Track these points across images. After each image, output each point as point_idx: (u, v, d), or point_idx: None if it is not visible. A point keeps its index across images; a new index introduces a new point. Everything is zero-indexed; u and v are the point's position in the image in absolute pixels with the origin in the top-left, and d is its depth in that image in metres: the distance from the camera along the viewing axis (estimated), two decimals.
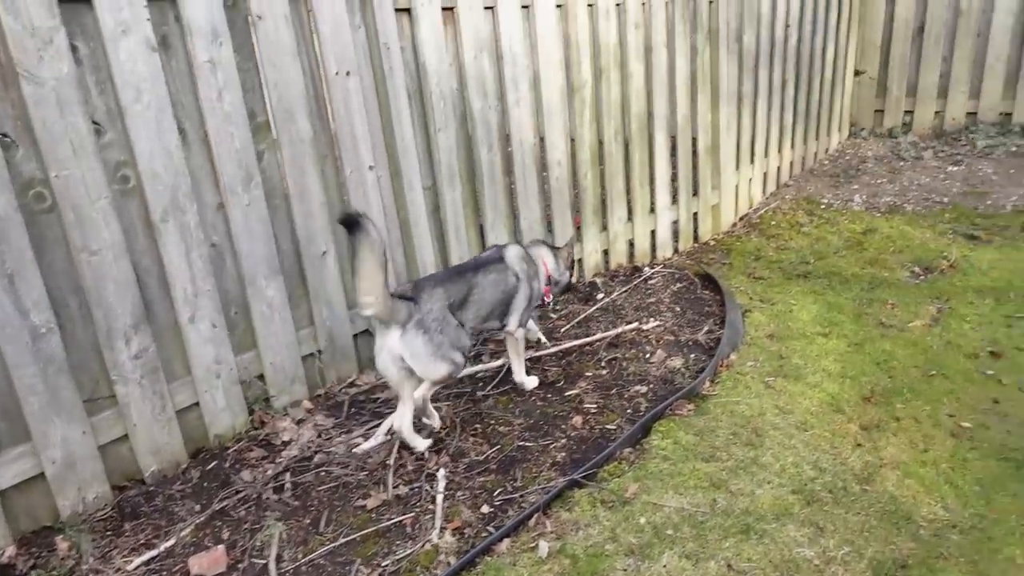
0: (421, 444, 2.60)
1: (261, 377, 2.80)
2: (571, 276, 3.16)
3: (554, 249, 3.13)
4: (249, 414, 2.77)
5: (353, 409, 2.96)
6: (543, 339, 3.35)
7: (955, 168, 5.90)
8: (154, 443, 2.50)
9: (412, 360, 2.44)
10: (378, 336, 2.48)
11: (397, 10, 2.99)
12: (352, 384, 3.09)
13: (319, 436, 2.72)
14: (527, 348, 3.11)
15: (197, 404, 2.61)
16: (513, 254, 2.86)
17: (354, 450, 2.61)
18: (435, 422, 2.68)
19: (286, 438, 2.68)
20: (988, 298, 3.80)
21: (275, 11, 2.62)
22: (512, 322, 2.86)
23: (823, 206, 5.48)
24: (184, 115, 2.46)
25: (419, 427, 2.67)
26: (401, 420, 2.55)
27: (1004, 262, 4.22)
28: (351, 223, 2.24)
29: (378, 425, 2.74)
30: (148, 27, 2.31)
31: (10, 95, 2.07)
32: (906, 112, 6.84)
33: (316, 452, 2.62)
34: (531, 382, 3.03)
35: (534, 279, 2.92)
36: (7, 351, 2.12)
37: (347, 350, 3.09)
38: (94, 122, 2.24)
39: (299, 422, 2.79)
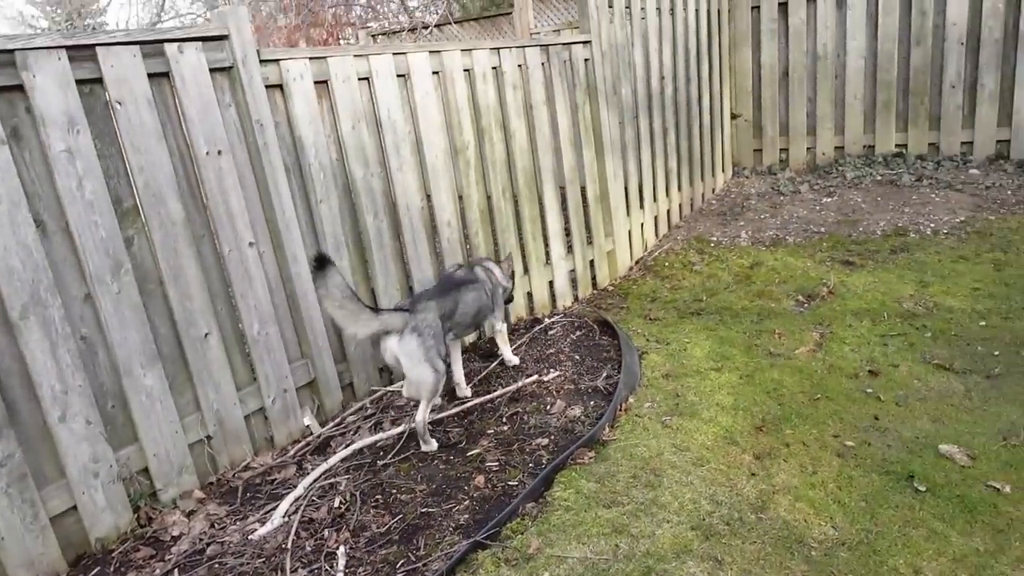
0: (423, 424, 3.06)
1: (145, 471, 2.71)
2: (511, 286, 3.85)
3: (498, 263, 3.84)
4: (134, 511, 2.66)
5: (248, 494, 2.88)
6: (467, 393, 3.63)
7: (829, 199, 6.38)
8: (27, 555, 2.36)
9: (407, 362, 2.96)
10: (382, 341, 3.04)
11: (268, 87, 3.05)
12: (247, 467, 3.02)
13: (212, 526, 2.64)
14: (432, 411, 3.14)
15: (75, 507, 2.49)
16: (479, 271, 3.58)
17: (250, 537, 2.54)
18: (432, 446, 3.07)
19: (176, 533, 2.58)
20: (865, 320, 4.10)
21: (136, 95, 2.63)
22: (497, 322, 3.65)
23: (713, 244, 5.81)
24: (42, 206, 2.41)
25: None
26: (420, 418, 3.05)
27: (877, 284, 4.58)
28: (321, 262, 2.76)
29: (275, 508, 2.68)
30: None
31: None
32: (782, 150, 7.39)
33: (209, 544, 2.53)
34: (515, 360, 3.80)
35: (498, 286, 3.67)
36: None
37: (239, 432, 3.03)
38: None
39: (189, 514, 2.69)
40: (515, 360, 3.82)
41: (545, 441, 3.04)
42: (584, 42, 4.81)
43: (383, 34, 10.24)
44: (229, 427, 2.99)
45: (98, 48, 2.53)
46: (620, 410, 3.26)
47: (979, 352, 3.59)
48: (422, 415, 3.02)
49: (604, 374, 3.63)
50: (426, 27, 8.53)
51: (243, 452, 3.05)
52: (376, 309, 3.07)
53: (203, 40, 2.84)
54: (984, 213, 5.54)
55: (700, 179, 6.68)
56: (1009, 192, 5.85)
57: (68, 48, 2.45)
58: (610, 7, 4.99)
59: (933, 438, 2.89)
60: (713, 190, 7.02)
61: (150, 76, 2.67)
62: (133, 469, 2.66)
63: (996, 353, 3.56)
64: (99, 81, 2.55)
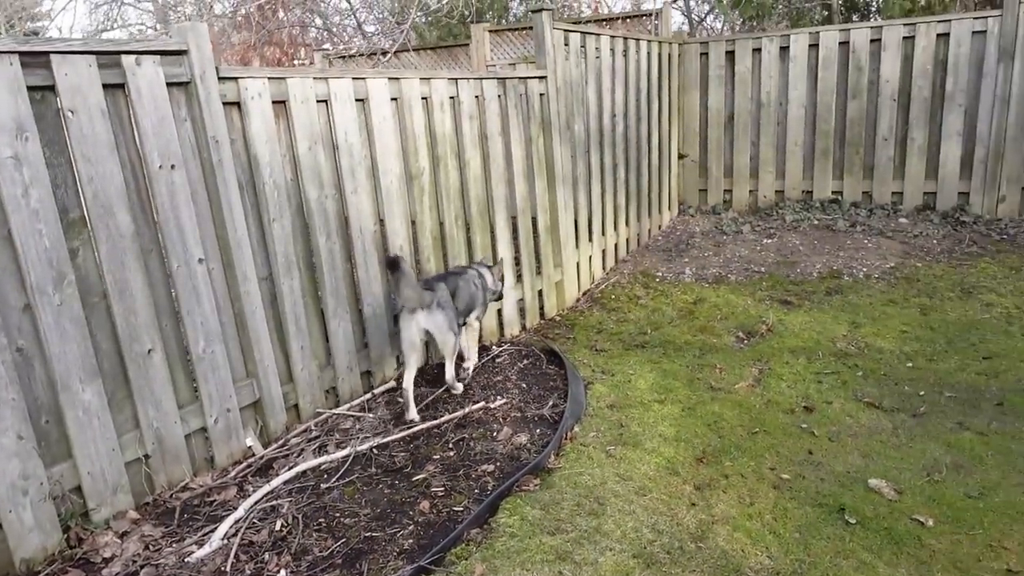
0: (414, 414, 3.55)
1: (78, 489, 2.62)
2: (501, 287, 4.35)
3: (490, 268, 4.28)
4: (64, 532, 2.57)
5: (186, 515, 2.82)
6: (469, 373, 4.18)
7: (769, 240, 6.67)
8: None
9: (436, 330, 3.57)
10: (404, 320, 3.54)
11: (226, 104, 3.06)
12: (185, 488, 2.96)
13: (146, 548, 2.57)
14: (376, 435, 3.14)
15: (0, 527, 2.40)
16: (474, 271, 4.09)
17: (187, 560, 2.49)
18: (458, 389, 3.82)
19: (107, 554, 2.50)
20: (801, 357, 4.29)
21: (89, 105, 2.60)
22: (472, 316, 4.05)
23: (658, 279, 5.99)
24: None
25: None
26: (408, 382, 3.58)
27: (813, 324, 4.80)
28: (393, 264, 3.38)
29: (214, 530, 2.63)
30: None
31: None
32: (726, 191, 7.70)
33: (143, 566, 2.47)
34: (474, 358, 4.19)
35: (486, 287, 4.13)
36: None
37: (178, 451, 2.97)
38: None
39: (123, 535, 2.62)
40: (474, 359, 4.20)
41: (491, 467, 3.08)
42: (540, 77, 4.96)
43: (340, 57, 10.29)
44: (169, 446, 2.92)
45: (53, 55, 2.50)
46: (566, 439, 3.33)
47: (906, 391, 3.80)
48: (451, 371, 3.77)
49: (550, 403, 3.70)
50: (384, 53, 8.62)
51: (182, 472, 2.98)
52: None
53: (162, 54, 2.84)
54: (912, 260, 5.88)
55: (647, 215, 6.89)
56: (935, 241, 6.23)
57: (21, 54, 2.41)
58: (566, 45, 5.17)
59: (863, 472, 3.04)
60: (659, 227, 7.25)
61: (105, 87, 2.65)
62: (66, 487, 2.58)
63: (921, 393, 3.77)
64: (52, 88, 2.52)
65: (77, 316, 2.58)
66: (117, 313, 2.72)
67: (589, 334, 4.93)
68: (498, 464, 3.11)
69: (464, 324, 3.94)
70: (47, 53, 2.49)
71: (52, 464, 2.55)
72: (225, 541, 2.56)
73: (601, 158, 5.82)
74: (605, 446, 3.29)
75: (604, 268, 6.10)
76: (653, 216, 7.03)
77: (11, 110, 2.39)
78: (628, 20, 8.73)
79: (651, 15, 8.55)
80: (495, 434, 3.38)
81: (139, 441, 2.82)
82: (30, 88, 2.45)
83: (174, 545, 2.61)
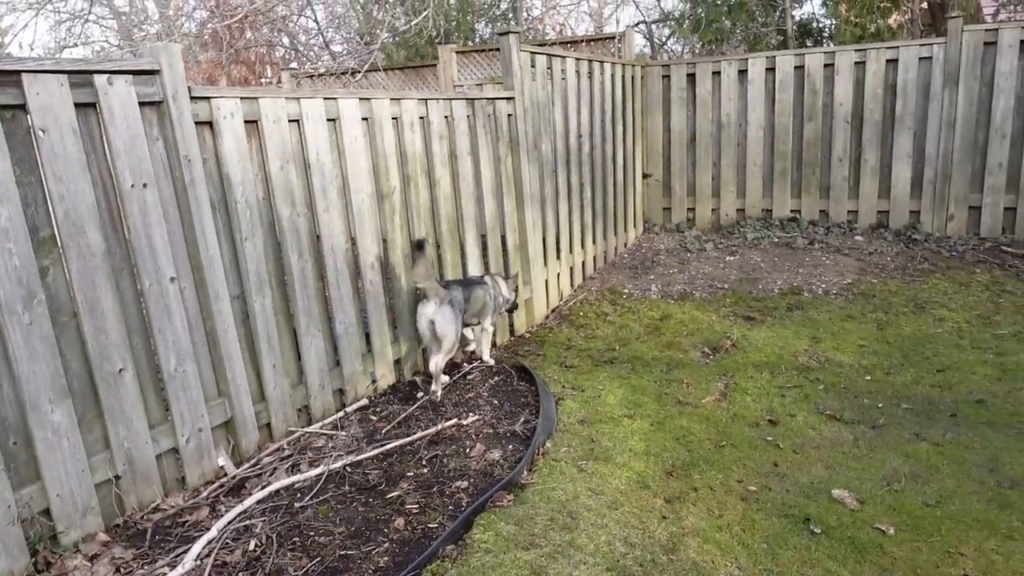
0: (437, 388, 4.05)
1: (47, 512, 2.58)
2: (515, 298, 4.78)
3: (505, 279, 4.72)
4: (32, 555, 2.51)
5: (157, 536, 2.78)
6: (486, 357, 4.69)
7: (732, 258, 6.83)
8: None
9: (439, 323, 3.98)
10: (420, 308, 4.03)
11: (198, 123, 3.06)
12: (156, 509, 2.91)
13: (117, 571, 2.52)
14: (351, 453, 3.13)
15: None
16: (488, 280, 4.54)
17: None
18: (439, 389, 4.06)
19: None
20: (764, 372, 4.41)
21: (61, 124, 2.59)
22: (486, 321, 4.53)
23: (625, 296, 6.09)
24: None
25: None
26: (433, 365, 4.05)
27: (775, 339, 4.94)
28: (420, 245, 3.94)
29: (187, 551, 2.60)
30: None
31: None
32: (689, 209, 7.88)
33: None
34: (491, 361, 4.62)
35: (498, 295, 4.57)
36: None
37: (149, 472, 2.93)
38: None
39: (93, 558, 2.57)
40: (491, 361, 4.61)
41: (465, 484, 3.10)
42: (508, 98, 5.05)
43: (308, 76, 10.29)
44: (139, 466, 2.88)
45: (24, 74, 2.48)
46: (538, 454, 3.37)
47: (865, 404, 3.93)
48: (439, 364, 4.05)
49: (522, 419, 3.74)
50: (354, 73, 8.65)
51: (153, 493, 2.94)
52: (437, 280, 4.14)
53: (134, 74, 2.84)
54: (868, 276, 6.09)
55: (613, 233, 7.01)
56: (888, 258, 6.46)
57: None
58: (532, 67, 5.28)
59: (827, 483, 3.14)
60: (625, 244, 7.38)
61: (77, 106, 2.64)
62: (34, 510, 2.53)
63: (880, 405, 3.90)
64: (22, 107, 2.50)
65: (47, 335, 2.55)
66: (88, 332, 2.69)
67: (559, 350, 4.99)
68: (472, 480, 3.13)
69: (480, 328, 4.54)
70: (18, 72, 2.48)
71: (20, 486, 2.50)
72: (198, 562, 2.53)
73: (568, 177, 5.92)
74: (577, 461, 3.34)
75: (572, 285, 6.19)
76: (619, 234, 7.16)
77: None
78: (592, 43, 8.92)
79: (614, 38, 8.75)
80: (468, 451, 3.40)
81: (109, 462, 2.78)
82: (1, 107, 2.43)
83: (146, 567, 2.57)
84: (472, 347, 4.68)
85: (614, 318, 5.61)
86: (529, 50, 5.26)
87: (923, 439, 3.50)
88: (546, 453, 3.41)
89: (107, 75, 2.74)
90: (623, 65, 7.03)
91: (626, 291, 6.19)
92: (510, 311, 4.88)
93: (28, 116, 2.52)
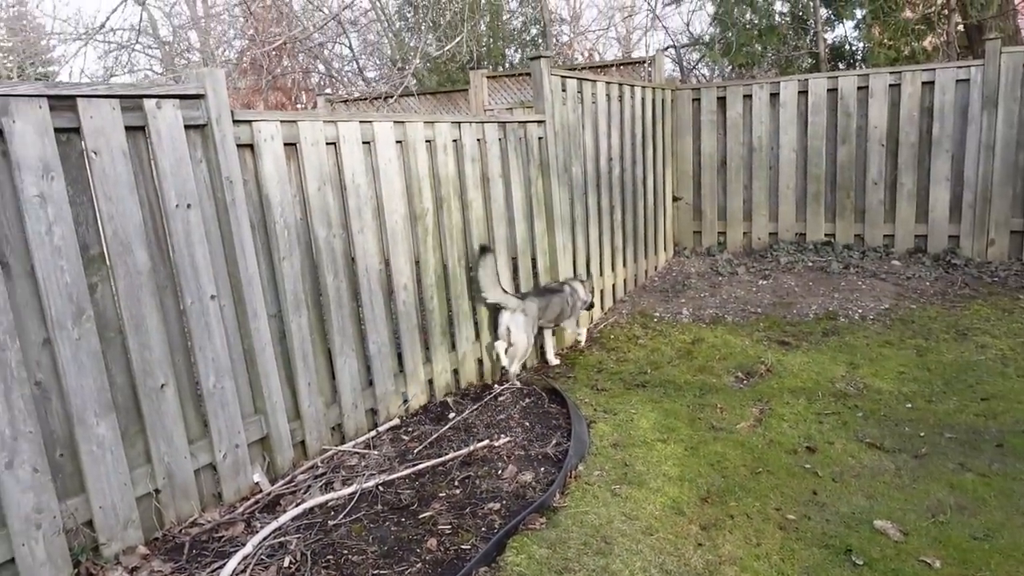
0: (513, 375, 4.68)
1: (90, 523, 2.66)
2: (591, 298, 5.45)
3: (583, 282, 5.34)
4: (75, 566, 2.59)
5: (195, 551, 2.84)
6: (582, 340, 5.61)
7: (764, 282, 6.81)
8: None
9: (513, 330, 4.58)
10: (499, 316, 4.60)
11: (240, 146, 3.18)
12: (194, 523, 2.98)
13: None
14: (382, 472, 3.16)
15: (12, 560, 2.43)
16: (567, 287, 5.14)
17: None
18: (516, 384, 4.59)
19: None
20: (801, 398, 4.38)
21: (112, 146, 2.72)
22: (568, 323, 5.23)
23: (656, 319, 6.09)
24: (9, 249, 2.45)
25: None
26: (504, 354, 4.63)
27: (811, 365, 4.90)
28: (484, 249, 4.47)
29: (223, 566, 2.65)
30: None
31: None
32: (720, 233, 7.88)
33: None
34: (555, 360, 5.27)
35: (577, 299, 5.20)
36: None
37: (187, 487, 3.01)
38: None
39: (132, 570, 2.64)
40: (555, 361, 5.27)
41: (497, 505, 3.12)
42: (539, 121, 5.13)
43: (342, 101, 10.55)
44: (178, 481, 2.97)
45: (79, 99, 2.62)
46: (570, 477, 3.38)
47: (907, 432, 3.88)
48: (516, 367, 4.67)
49: (553, 441, 3.76)
50: (388, 97, 8.86)
51: (191, 507, 3.02)
52: (504, 290, 4.65)
53: (181, 98, 2.97)
54: (906, 302, 6.03)
55: (644, 256, 7.04)
56: (927, 283, 6.39)
57: (50, 97, 2.54)
58: (563, 90, 5.37)
59: (868, 514, 3.09)
60: (656, 268, 7.39)
61: (127, 129, 2.77)
62: (78, 521, 2.62)
63: (922, 434, 3.85)
64: (77, 131, 2.63)
65: (94, 350, 2.65)
66: (132, 348, 2.79)
67: (589, 373, 5.01)
68: (504, 502, 3.15)
69: (564, 328, 5.26)
70: (74, 97, 2.61)
71: (65, 498, 2.59)
72: None
73: (598, 200, 5.98)
74: (610, 485, 3.34)
75: (603, 308, 6.21)
76: (649, 257, 7.18)
77: (38, 151, 2.50)
78: (622, 67, 9.02)
79: (644, 62, 8.85)
80: (500, 472, 3.42)
81: (150, 476, 2.87)
82: (57, 130, 2.56)
83: None
84: (571, 336, 5.48)
85: (645, 341, 5.62)
86: (560, 74, 5.35)
87: (968, 469, 3.44)
88: (578, 476, 3.42)
89: (156, 99, 2.87)
90: (653, 89, 7.11)
91: (657, 314, 6.20)
92: (587, 308, 5.50)
93: (82, 139, 2.65)
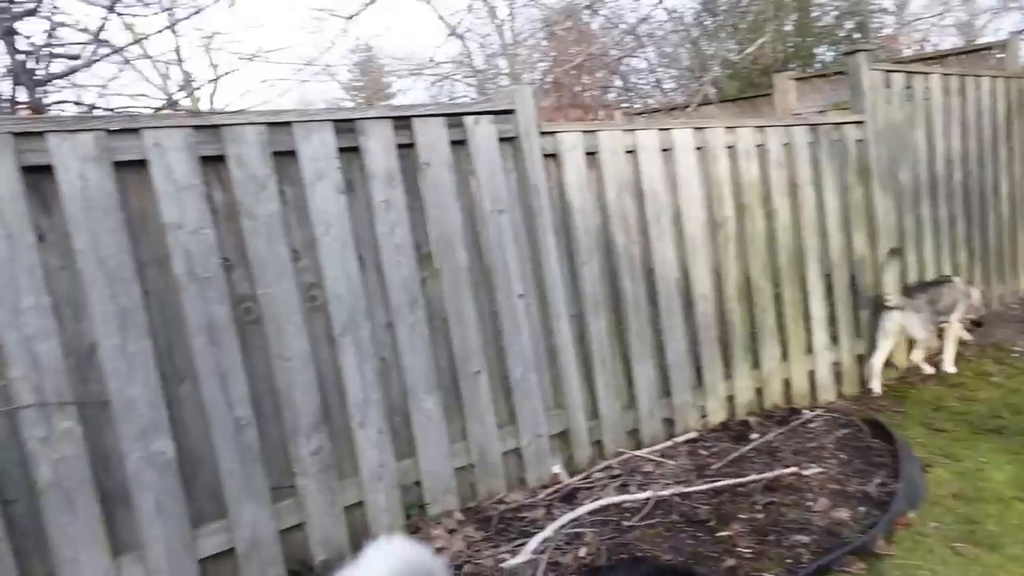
0: (876, 385, 4.86)
1: (418, 484, 3.21)
2: (981, 313, 5.45)
3: (972, 286, 5.39)
4: (407, 518, 3.15)
5: (501, 524, 3.19)
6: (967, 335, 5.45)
7: None
8: (324, 534, 2.94)
9: (908, 327, 4.82)
10: (885, 315, 4.79)
11: (545, 156, 3.56)
12: (500, 501, 3.37)
13: (468, 547, 2.98)
14: (677, 483, 3.22)
15: (362, 503, 3.04)
16: (957, 280, 5.23)
17: (502, 565, 2.81)
18: (951, 369, 5.08)
19: (439, 545, 2.96)
20: None
21: (440, 158, 3.26)
22: (954, 318, 5.10)
23: (1016, 355, 5.30)
24: (363, 246, 3.07)
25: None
26: (876, 359, 4.86)
27: None
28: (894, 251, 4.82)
29: (525, 543, 2.92)
30: (338, 175, 2.99)
31: (232, 228, 2.77)
32: None
33: (466, 563, 2.87)
34: (952, 369, 5.14)
35: (968, 298, 5.19)
36: (216, 438, 2.70)
37: (496, 467, 3.43)
38: (293, 250, 2.90)
39: (451, 532, 3.08)
40: (953, 370, 5.11)
41: (806, 539, 2.97)
42: (856, 122, 4.85)
43: (639, 113, 11.01)
44: (488, 460, 3.40)
45: (414, 119, 3.20)
46: (897, 523, 3.10)
47: None
48: (918, 356, 5.04)
49: (876, 480, 3.46)
50: (686, 107, 9.04)
51: (498, 486, 3.43)
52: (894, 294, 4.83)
53: (494, 114, 3.44)
54: None
55: (999, 279, 6.18)
56: None
57: (393, 119, 3.15)
58: (887, 86, 5.01)
59: None
60: (1015, 292, 6.42)
61: (451, 143, 3.30)
62: (409, 480, 3.19)
63: None
64: (411, 146, 3.21)
65: (424, 335, 3.21)
66: (453, 336, 3.30)
67: (924, 410, 4.51)
68: (814, 537, 2.98)
69: (946, 323, 5.11)
70: (410, 117, 3.20)
71: (400, 458, 3.17)
72: (534, 556, 2.83)
73: (934, 210, 5.42)
74: (950, 542, 2.98)
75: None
76: (1006, 280, 6.27)
77: (385, 163, 3.11)
78: (962, 56, 8.09)
79: (991, 48, 7.84)
80: (810, 504, 3.25)
81: (466, 451, 3.35)
82: (398, 146, 3.15)
83: (491, 550, 2.96)
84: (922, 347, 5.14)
85: (1000, 380, 4.90)
86: (882, 68, 5.01)
87: None
88: (909, 524, 3.10)
89: (474, 116, 3.38)
90: (1006, 79, 6.27)
91: (1017, 349, 5.38)
92: (977, 324, 5.41)
93: (416, 153, 3.21)
